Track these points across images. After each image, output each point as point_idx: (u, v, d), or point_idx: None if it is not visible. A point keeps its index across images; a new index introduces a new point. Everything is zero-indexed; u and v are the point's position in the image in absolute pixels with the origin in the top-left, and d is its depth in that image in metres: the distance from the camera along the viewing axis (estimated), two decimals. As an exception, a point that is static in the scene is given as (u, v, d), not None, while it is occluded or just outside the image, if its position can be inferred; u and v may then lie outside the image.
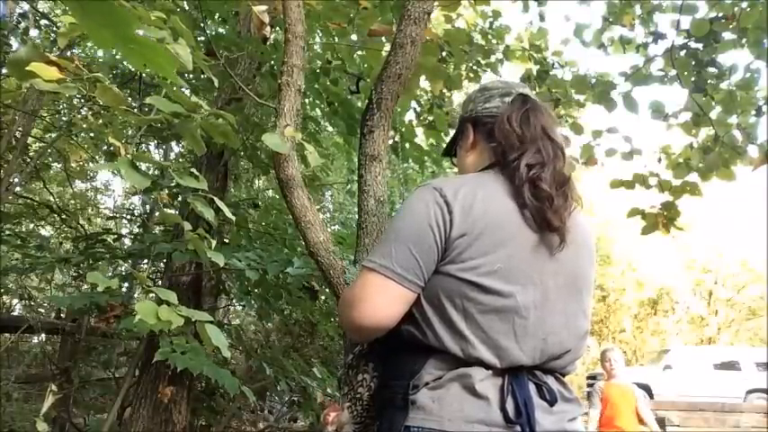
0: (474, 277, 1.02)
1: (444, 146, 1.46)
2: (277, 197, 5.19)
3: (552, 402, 1.02)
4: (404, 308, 1.07)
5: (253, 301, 4.67)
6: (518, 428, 0.96)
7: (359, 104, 3.76)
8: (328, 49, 3.67)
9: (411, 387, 1.03)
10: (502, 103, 1.21)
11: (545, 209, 1.06)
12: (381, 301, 1.06)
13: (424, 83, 3.61)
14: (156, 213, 5.54)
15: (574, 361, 1.11)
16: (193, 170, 1.65)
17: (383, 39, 3.17)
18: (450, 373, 1.01)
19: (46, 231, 7.02)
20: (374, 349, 1.19)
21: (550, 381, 1.06)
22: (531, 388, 1.02)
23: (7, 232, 4.69)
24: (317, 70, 3.52)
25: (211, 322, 1.56)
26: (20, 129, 5.38)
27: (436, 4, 2.78)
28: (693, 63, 3.71)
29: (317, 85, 3.64)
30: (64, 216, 5.68)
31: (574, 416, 1.07)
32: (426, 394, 1.01)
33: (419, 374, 1.03)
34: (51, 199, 6.24)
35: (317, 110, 4.44)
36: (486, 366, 1.01)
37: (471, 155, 1.26)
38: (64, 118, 5.89)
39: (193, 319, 1.53)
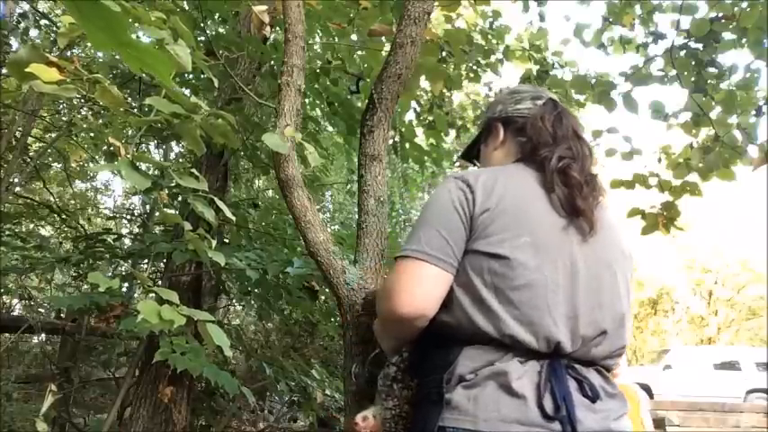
0: (501, 250, 1.02)
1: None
2: (277, 197, 5.19)
3: (594, 399, 0.99)
4: (441, 290, 1.05)
5: (253, 301, 4.67)
6: (557, 426, 0.93)
7: (359, 104, 3.76)
8: (328, 49, 3.66)
9: (445, 381, 1.01)
10: (533, 105, 1.25)
11: (574, 195, 1.08)
12: (418, 285, 1.05)
13: (424, 83, 3.61)
14: (156, 213, 5.53)
15: (615, 350, 1.08)
16: (193, 170, 1.65)
17: (383, 39, 3.17)
18: (486, 370, 0.99)
19: (46, 231, 7.02)
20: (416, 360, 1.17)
21: (592, 375, 1.03)
22: (572, 384, 0.99)
23: (7, 232, 4.69)
24: (317, 70, 3.51)
25: (212, 322, 1.56)
26: (20, 129, 5.38)
27: (436, 4, 2.78)
28: (693, 63, 3.70)
29: (317, 85, 3.63)
30: (64, 216, 5.68)
31: (619, 414, 1.03)
32: (461, 393, 0.99)
33: (453, 367, 1.01)
34: (51, 199, 6.24)
35: (317, 110, 4.44)
36: (523, 351, 0.99)
37: (499, 151, 1.28)
38: (64, 118, 5.89)
39: (195, 319, 1.53)
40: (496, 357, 1.00)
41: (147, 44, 0.65)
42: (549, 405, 0.95)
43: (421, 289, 1.05)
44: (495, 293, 1.01)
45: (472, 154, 1.41)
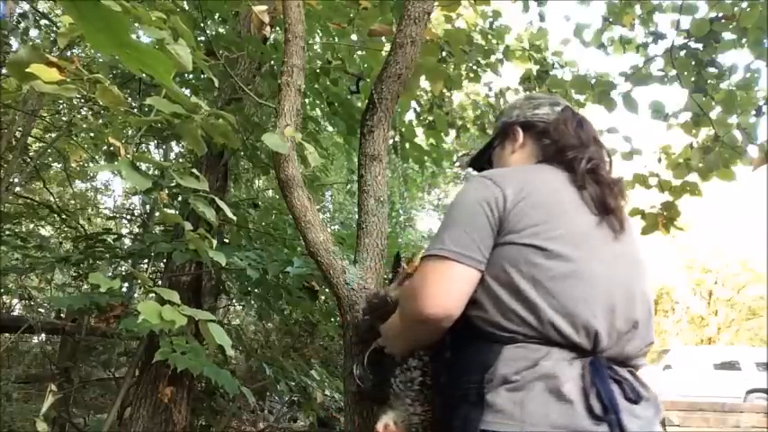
0: (537, 241, 1.02)
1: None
2: (277, 197, 5.19)
3: (636, 401, 0.98)
4: (466, 289, 1.04)
5: (253, 301, 4.67)
6: (605, 429, 0.91)
7: (359, 104, 3.76)
8: (328, 49, 3.66)
9: (486, 381, 0.99)
10: (552, 110, 1.28)
11: (606, 194, 1.10)
12: (442, 283, 1.04)
13: (424, 83, 3.61)
14: (156, 213, 5.53)
15: (645, 346, 1.08)
16: (194, 170, 1.65)
17: (383, 39, 3.17)
18: (532, 372, 0.96)
19: (46, 231, 7.01)
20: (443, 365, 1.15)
21: (628, 377, 1.03)
22: (614, 389, 0.97)
23: (7, 232, 4.69)
24: (317, 70, 3.51)
25: (213, 321, 1.56)
26: (20, 129, 5.38)
27: (436, 4, 2.78)
28: (693, 63, 3.70)
29: (317, 85, 3.63)
30: (64, 216, 5.67)
31: (657, 420, 1.02)
32: (506, 396, 0.96)
33: (494, 366, 0.99)
34: (51, 199, 6.23)
35: (317, 110, 4.44)
36: (565, 347, 0.97)
37: (518, 154, 1.29)
38: (64, 118, 5.89)
39: (197, 318, 1.53)
40: (540, 356, 0.97)
41: (147, 45, 0.65)
42: (596, 409, 0.93)
43: (445, 288, 1.04)
44: (532, 284, 1.00)
45: (483, 159, 1.41)
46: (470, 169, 1.47)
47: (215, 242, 1.75)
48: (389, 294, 1.40)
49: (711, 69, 3.69)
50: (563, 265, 1.01)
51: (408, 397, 1.20)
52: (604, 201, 1.10)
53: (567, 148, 1.17)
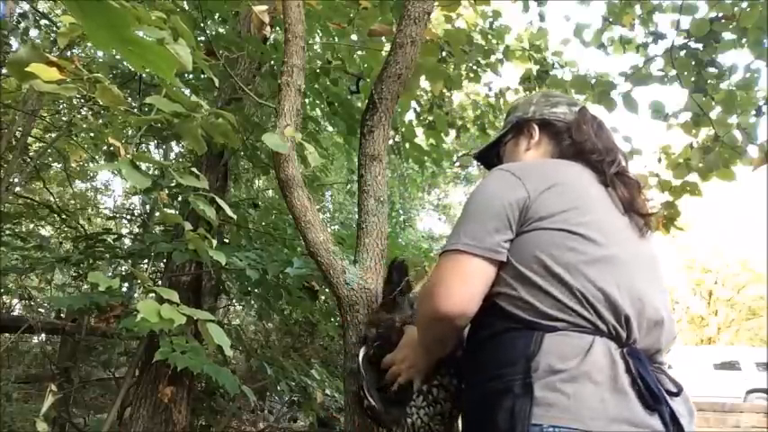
0: (567, 226, 1.02)
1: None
2: (277, 197, 5.19)
3: (677, 394, 0.98)
4: (482, 283, 1.03)
5: (253, 301, 4.67)
6: (658, 421, 0.90)
7: (359, 104, 3.76)
8: (328, 49, 3.66)
9: (532, 370, 0.94)
10: (569, 110, 1.27)
11: (634, 194, 1.12)
12: (457, 279, 1.03)
13: (424, 83, 3.61)
14: (156, 213, 5.53)
15: (671, 340, 1.07)
16: (194, 170, 1.65)
17: (383, 39, 3.17)
18: (580, 363, 0.93)
19: (46, 231, 7.01)
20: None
21: (661, 371, 1.03)
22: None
23: (7, 232, 4.69)
24: (317, 70, 3.51)
25: (213, 321, 1.56)
26: (20, 129, 5.38)
27: (436, 4, 2.78)
28: (693, 63, 3.70)
29: (317, 85, 3.63)
30: (64, 216, 5.67)
31: (694, 423, 1.01)
32: (556, 387, 0.92)
33: (538, 356, 0.95)
34: (51, 199, 6.23)
35: (317, 110, 4.44)
36: (605, 334, 0.96)
37: (533, 151, 1.28)
38: (64, 118, 5.89)
39: (195, 318, 1.53)
40: (586, 345, 0.95)
41: (149, 41, 0.64)
42: (648, 399, 0.92)
43: (460, 283, 1.03)
44: (566, 269, 0.99)
45: (492, 154, 1.40)
46: (470, 168, 1.47)
47: (215, 242, 1.75)
48: (395, 317, 1.37)
49: (711, 69, 3.68)
50: (595, 250, 1.01)
51: (435, 430, 1.15)
52: (633, 201, 1.11)
53: (591, 151, 1.17)
